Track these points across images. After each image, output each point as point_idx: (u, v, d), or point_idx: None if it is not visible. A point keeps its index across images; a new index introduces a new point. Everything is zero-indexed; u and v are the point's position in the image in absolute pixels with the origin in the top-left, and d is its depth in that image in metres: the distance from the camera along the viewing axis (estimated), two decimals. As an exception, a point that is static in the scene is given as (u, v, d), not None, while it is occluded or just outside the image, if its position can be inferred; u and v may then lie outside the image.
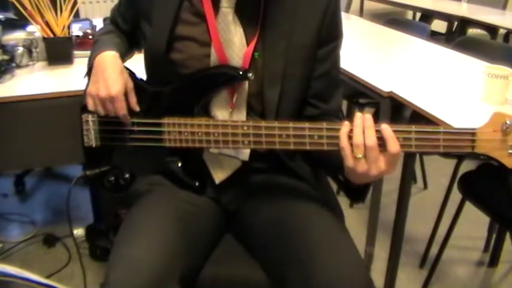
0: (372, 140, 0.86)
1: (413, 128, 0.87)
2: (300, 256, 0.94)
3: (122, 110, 1.03)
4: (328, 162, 1.03)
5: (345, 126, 0.89)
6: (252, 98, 1.06)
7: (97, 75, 1.05)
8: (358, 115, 0.88)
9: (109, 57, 1.06)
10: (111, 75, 1.03)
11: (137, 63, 1.17)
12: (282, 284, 0.97)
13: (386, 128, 0.87)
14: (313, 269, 0.91)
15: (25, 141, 1.55)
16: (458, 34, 3.50)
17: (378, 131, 0.87)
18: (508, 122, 0.84)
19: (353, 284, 0.89)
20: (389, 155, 0.87)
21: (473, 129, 0.86)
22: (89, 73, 1.10)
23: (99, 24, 1.99)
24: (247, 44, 1.04)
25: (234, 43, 1.03)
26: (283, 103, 1.06)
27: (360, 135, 0.87)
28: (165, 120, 1.03)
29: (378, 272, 1.89)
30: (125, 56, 1.16)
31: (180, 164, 1.09)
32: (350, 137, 0.88)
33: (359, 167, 0.88)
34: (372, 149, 0.86)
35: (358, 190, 0.97)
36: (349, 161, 0.88)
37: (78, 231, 2.04)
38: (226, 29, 1.03)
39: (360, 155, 0.87)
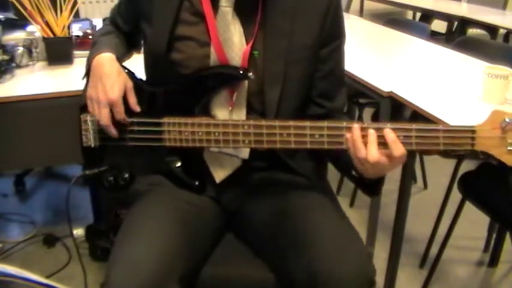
0: (373, 157, 0.87)
1: (414, 126, 0.88)
2: (301, 247, 0.95)
3: (120, 114, 1.03)
4: (340, 159, 1.04)
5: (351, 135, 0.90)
6: (252, 97, 1.06)
7: (95, 79, 1.04)
8: (355, 128, 0.89)
9: (105, 60, 1.06)
10: (109, 79, 1.02)
11: (137, 63, 1.17)
12: (285, 276, 0.98)
13: (388, 133, 0.88)
14: (315, 258, 0.91)
15: (25, 141, 1.55)
16: (458, 34, 3.50)
17: (380, 137, 0.88)
18: (507, 120, 0.85)
19: (354, 272, 0.90)
20: (395, 158, 0.88)
21: (473, 126, 0.87)
22: (87, 74, 1.10)
23: (99, 24, 1.99)
24: (247, 43, 1.04)
25: (234, 42, 1.03)
26: (283, 102, 1.06)
27: (362, 149, 0.88)
28: (165, 120, 1.03)
29: (378, 272, 1.88)
30: (123, 56, 1.16)
31: (179, 164, 1.09)
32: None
33: (369, 172, 0.91)
34: (376, 164, 0.88)
35: (373, 184, 0.98)
36: (359, 167, 0.92)
37: (78, 231, 2.04)
38: (225, 28, 1.03)
39: (368, 165, 0.89)
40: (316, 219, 1.00)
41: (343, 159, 0.99)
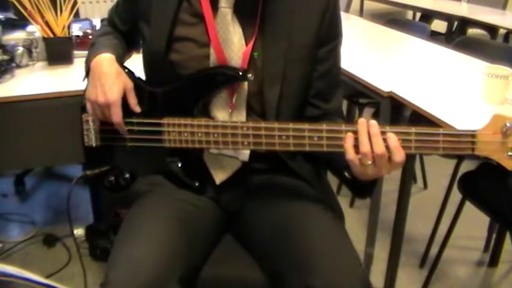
0: (380, 149, 0.86)
1: (413, 129, 0.87)
2: (299, 257, 0.94)
3: (117, 116, 1.03)
4: (333, 160, 1.04)
5: (349, 138, 0.89)
6: (251, 98, 1.06)
7: (94, 79, 1.04)
8: (361, 122, 0.88)
9: (104, 60, 1.06)
10: (108, 80, 1.02)
11: (136, 63, 1.17)
12: (280, 284, 0.97)
13: (392, 137, 0.87)
14: (312, 269, 0.91)
15: (25, 141, 1.55)
16: (458, 34, 3.50)
17: (383, 133, 0.87)
18: (508, 124, 0.84)
19: (351, 285, 0.89)
20: (394, 162, 0.87)
21: (473, 131, 0.86)
22: (87, 76, 1.10)
23: (99, 24, 1.99)
24: (246, 44, 1.04)
25: (233, 43, 1.03)
26: (283, 103, 1.06)
27: (367, 143, 0.87)
28: (165, 121, 1.03)
29: (378, 272, 1.89)
30: (122, 57, 1.16)
31: (180, 164, 1.09)
32: (355, 147, 0.88)
33: (368, 171, 0.89)
34: (381, 157, 0.87)
35: (366, 186, 0.97)
36: (357, 169, 0.89)
37: (78, 231, 2.04)
38: (225, 29, 1.03)
39: (369, 162, 0.87)
40: (313, 232, 0.99)
41: (336, 161, 0.99)
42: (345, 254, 0.95)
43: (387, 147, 0.87)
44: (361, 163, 0.88)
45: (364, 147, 0.87)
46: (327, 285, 0.88)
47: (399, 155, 0.87)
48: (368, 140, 0.87)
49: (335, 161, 1.01)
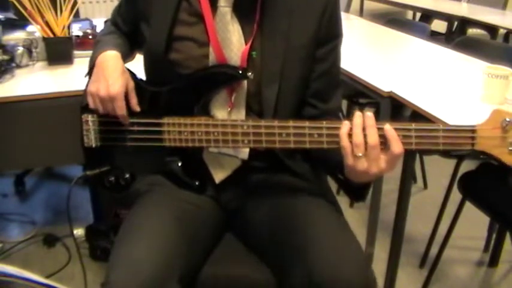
0: (374, 139, 0.86)
1: (413, 125, 0.87)
2: (300, 251, 0.95)
3: (121, 109, 1.03)
4: (328, 162, 1.04)
5: (345, 125, 0.89)
6: (250, 97, 1.06)
7: (98, 74, 1.05)
8: (357, 114, 0.88)
9: (110, 57, 1.06)
10: (112, 75, 1.03)
11: (137, 63, 1.17)
12: (284, 279, 0.98)
13: (389, 129, 0.86)
14: (315, 263, 0.91)
15: (25, 141, 1.55)
16: (458, 34, 3.50)
17: (380, 129, 0.87)
18: (507, 119, 0.84)
19: (354, 276, 0.90)
20: (391, 155, 0.87)
21: (473, 126, 0.86)
22: (90, 72, 1.10)
23: (99, 24, 1.99)
24: (246, 43, 1.04)
25: (232, 42, 1.03)
26: (281, 103, 1.06)
27: (359, 134, 0.87)
28: (165, 120, 1.03)
29: (378, 272, 1.87)
30: (126, 56, 1.16)
31: (180, 164, 1.09)
32: (350, 136, 0.88)
33: (359, 165, 0.88)
34: (373, 148, 0.86)
35: (359, 189, 0.97)
36: (349, 160, 0.88)
37: (78, 231, 2.04)
38: (224, 28, 1.03)
39: (360, 154, 0.87)
40: (314, 225, 0.99)
41: (331, 162, 0.99)
42: (347, 247, 0.95)
43: (383, 138, 0.86)
44: (353, 154, 0.88)
45: (357, 138, 0.87)
46: (331, 278, 0.88)
47: (397, 147, 0.86)
48: (361, 131, 0.87)
49: (331, 162, 1.01)
